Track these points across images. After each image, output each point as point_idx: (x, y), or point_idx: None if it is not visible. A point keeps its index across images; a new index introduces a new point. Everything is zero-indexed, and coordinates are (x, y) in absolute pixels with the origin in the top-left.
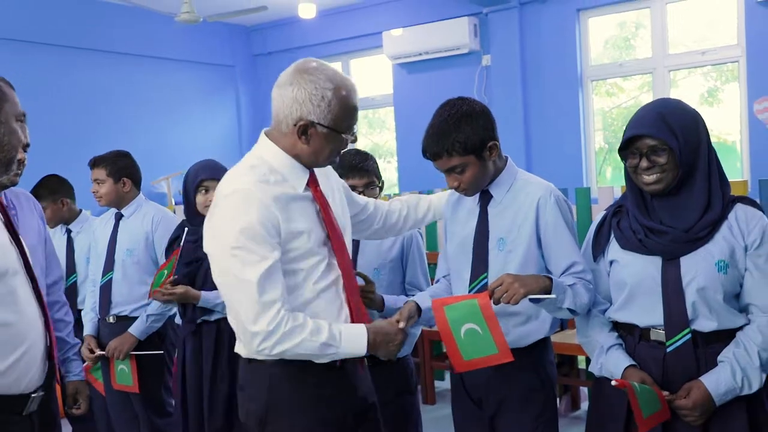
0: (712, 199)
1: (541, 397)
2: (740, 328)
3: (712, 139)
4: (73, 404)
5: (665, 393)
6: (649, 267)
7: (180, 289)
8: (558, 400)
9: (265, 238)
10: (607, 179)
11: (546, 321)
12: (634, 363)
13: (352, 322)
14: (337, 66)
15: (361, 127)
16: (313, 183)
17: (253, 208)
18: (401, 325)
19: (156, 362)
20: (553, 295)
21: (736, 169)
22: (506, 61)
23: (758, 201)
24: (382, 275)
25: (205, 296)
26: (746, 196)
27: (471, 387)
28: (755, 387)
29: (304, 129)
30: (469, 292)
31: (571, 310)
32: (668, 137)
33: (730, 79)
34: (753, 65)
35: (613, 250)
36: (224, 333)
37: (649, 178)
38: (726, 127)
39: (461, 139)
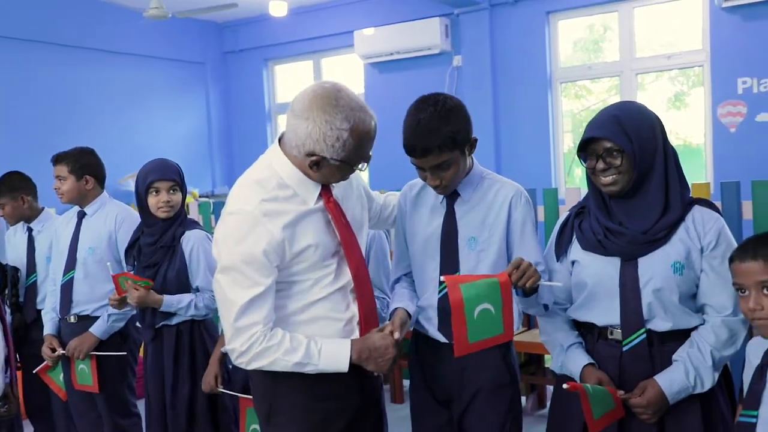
0: (670, 201)
1: (509, 393)
2: (695, 327)
3: (679, 143)
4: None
5: (620, 392)
6: (608, 268)
7: (140, 291)
8: (524, 398)
9: (263, 265)
10: (576, 180)
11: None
12: (592, 362)
13: (360, 324)
14: (308, 65)
15: None
16: (325, 193)
17: (254, 235)
18: (396, 335)
19: (119, 362)
20: (559, 283)
21: (702, 172)
22: (477, 62)
23: (720, 203)
24: None
25: (168, 300)
26: (704, 198)
27: (439, 388)
28: (707, 386)
29: (316, 162)
30: (439, 293)
31: (545, 306)
32: (623, 141)
33: (695, 84)
34: (717, 70)
35: (575, 250)
36: (184, 336)
37: (605, 179)
38: (692, 131)
39: (452, 134)
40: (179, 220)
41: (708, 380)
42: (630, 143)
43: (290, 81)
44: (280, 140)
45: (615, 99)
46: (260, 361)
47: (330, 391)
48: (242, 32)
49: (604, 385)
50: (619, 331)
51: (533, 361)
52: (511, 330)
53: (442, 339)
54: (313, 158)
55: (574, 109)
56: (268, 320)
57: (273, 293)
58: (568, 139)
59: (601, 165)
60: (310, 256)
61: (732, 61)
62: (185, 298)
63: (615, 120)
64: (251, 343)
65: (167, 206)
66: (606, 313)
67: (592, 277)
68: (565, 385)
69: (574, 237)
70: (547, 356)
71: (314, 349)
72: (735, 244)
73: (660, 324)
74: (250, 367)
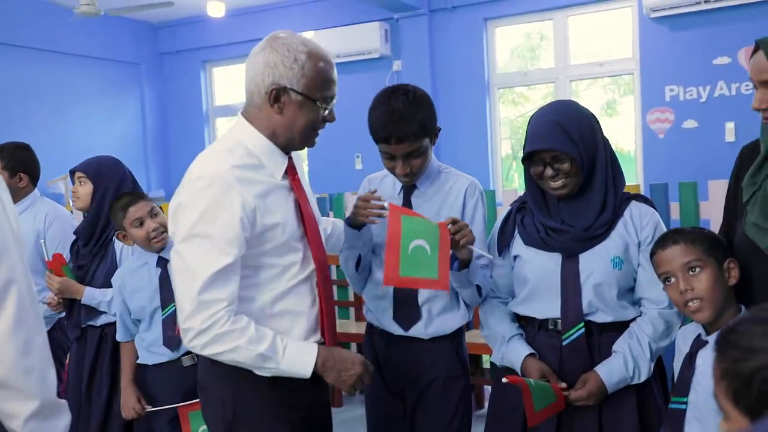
0: (607, 198)
1: (460, 384)
2: (632, 320)
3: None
4: None
5: (562, 385)
6: (550, 263)
7: (62, 278)
8: None
9: (235, 234)
10: (513, 184)
11: (464, 310)
12: (533, 352)
13: (322, 319)
14: None
15: None
16: (291, 171)
17: (227, 200)
18: (361, 358)
19: None
20: (489, 255)
21: (632, 176)
22: (416, 67)
23: None
24: None
25: (89, 292)
26: (641, 193)
27: (392, 379)
28: (644, 376)
29: (277, 95)
30: None
31: (478, 289)
32: (569, 147)
33: (626, 92)
34: (646, 78)
35: (517, 245)
36: (107, 340)
37: (555, 184)
38: (623, 137)
39: (424, 121)
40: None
41: (645, 371)
42: (576, 148)
43: (229, 83)
44: (243, 115)
45: None
46: (219, 345)
47: (298, 401)
48: (179, 33)
49: (546, 375)
50: (560, 322)
51: (472, 362)
52: (447, 281)
53: (397, 330)
54: (273, 88)
55: (512, 116)
56: (232, 300)
57: (239, 271)
58: (506, 146)
59: (549, 171)
60: (279, 235)
61: (660, 69)
62: (108, 293)
63: (558, 127)
64: (213, 321)
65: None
66: (547, 307)
67: (533, 272)
68: (504, 379)
69: (516, 232)
70: (485, 356)
71: (279, 345)
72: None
73: (600, 317)
74: (204, 352)
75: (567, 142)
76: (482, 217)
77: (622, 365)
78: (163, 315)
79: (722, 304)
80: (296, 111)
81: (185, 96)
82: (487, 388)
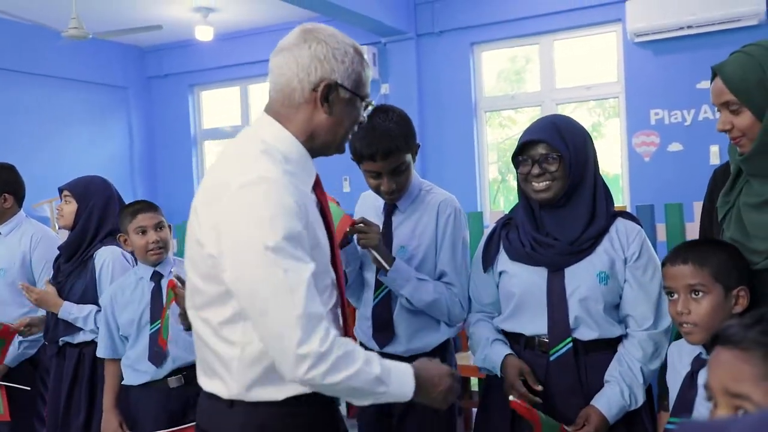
0: (596, 213)
1: None
2: (619, 338)
3: None
4: None
5: (569, 429)
6: (535, 277)
7: (40, 291)
8: None
9: (303, 239)
10: (501, 208)
11: (445, 327)
12: (513, 353)
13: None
14: (235, 91)
15: None
16: (318, 186)
17: (290, 201)
18: (448, 370)
19: (28, 392)
20: (387, 266)
21: (618, 198)
22: (404, 90)
23: None
24: None
25: (67, 306)
26: (627, 211)
27: None
28: (641, 401)
29: (325, 95)
30: (374, 300)
31: (408, 301)
32: (560, 145)
33: (611, 115)
34: (631, 101)
35: (503, 261)
36: (85, 360)
37: (539, 185)
38: (609, 161)
39: (406, 136)
40: (98, 237)
41: (641, 396)
42: (567, 149)
43: (217, 107)
44: (269, 114)
45: None
46: (341, 372)
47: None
48: (167, 57)
49: (525, 374)
50: (546, 340)
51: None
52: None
53: (375, 348)
54: (325, 84)
55: (498, 139)
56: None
57: None
58: (493, 169)
59: (536, 170)
60: (320, 255)
61: (645, 93)
62: (86, 309)
63: (553, 126)
64: (331, 342)
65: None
66: (533, 322)
67: (519, 287)
68: (511, 397)
69: (502, 248)
70: (473, 380)
71: (386, 365)
72: (655, 256)
73: (586, 333)
74: (325, 382)
75: (559, 140)
76: (452, 236)
77: (618, 395)
78: (151, 329)
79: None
80: (344, 111)
81: (173, 119)
82: (475, 411)
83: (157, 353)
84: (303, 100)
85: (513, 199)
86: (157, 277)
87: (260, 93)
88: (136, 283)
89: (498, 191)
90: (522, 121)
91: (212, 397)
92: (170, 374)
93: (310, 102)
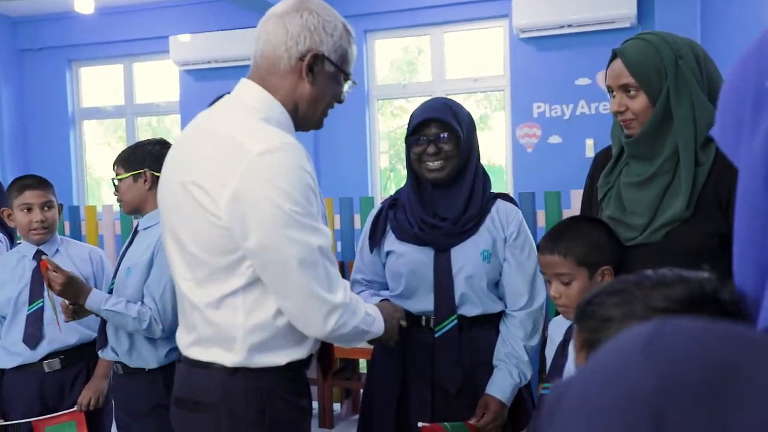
0: (473, 193)
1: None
2: (499, 313)
3: (483, 162)
4: None
5: (473, 420)
6: (423, 257)
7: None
8: (339, 405)
9: (319, 203)
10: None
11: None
12: (387, 298)
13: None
14: (118, 68)
15: (143, 134)
16: None
17: (308, 167)
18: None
19: None
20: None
21: (503, 187)
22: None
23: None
24: (130, 277)
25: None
26: (505, 192)
27: None
28: (529, 375)
29: (311, 65)
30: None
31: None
32: (456, 124)
33: (497, 108)
34: (516, 94)
35: (390, 241)
36: None
37: (433, 164)
38: (495, 151)
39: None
40: None
41: (528, 371)
42: (461, 129)
43: (97, 85)
44: (254, 81)
45: None
46: (357, 316)
47: (306, 404)
48: (42, 29)
49: (397, 317)
50: (433, 318)
51: (348, 366)
52: None
53: None
54: (312, 54)
55: (390, 128)
56: None
57: None
58: (384, 159)
59: (431, 149)
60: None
61: (529, 87)
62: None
63: (447, 107)
64: (350, 293)
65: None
66: (421, 301)
67: (407, 266)
68: (420, 424)
69: (389, 228)
70: (362, 360)
71: (367, 306)
72: (531, 237)
73: (470, 309)
74: (347, 328)
75: (454, 119)
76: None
77: (508, 376)
78: (29, 310)
79: None
80: (326, 84)
81: (48, 96)
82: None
83: (32, 335)
84: (289, 68)
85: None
86: (40, 256)
87: (145, 71)
88: (18, 261)
89: (389, 180)
90: (413, 110)
91: (209, 366)
92: (47, 357)
93: (296, 71)
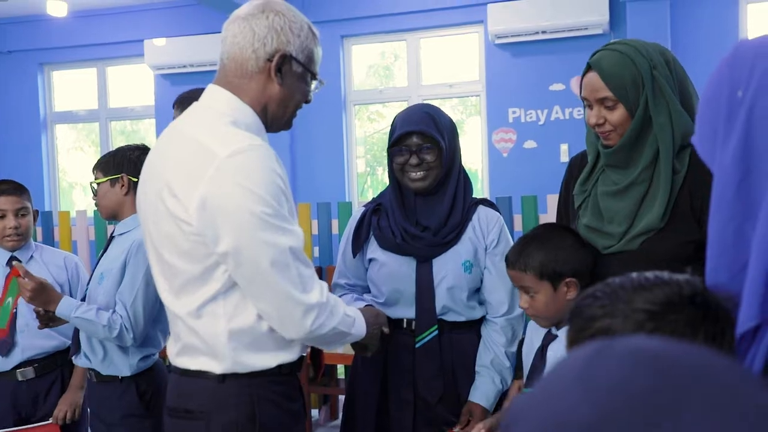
0: (456, 201)
1: None
2: (480, 319)
3: None
4: None
5: (456, 429)
6: (405, 267)
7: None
8: (317, 411)
9: (290, 204)
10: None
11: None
12: (370, 303)
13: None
14: (91, 72)
15: (117, 139)
16: None
17: (277, 168)
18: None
19: None
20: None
21: (478, 191)
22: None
23: None
24: (103, 283)
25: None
26: (487, 198)
27: None
28: (510, 381)
29: (279, 66)
30: None
31: None
32: (438, 135)
33: (473, 113)
34: (491, 100)
35: (372, 248)
36: None
37: (416, 175)
38: (470, 156)
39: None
40: None
41: (510, 377)
42: (443, 139)
43: (70, 89)
44: (221, 85)
45: None
46: (335, 316)
47: (297, 407)
48: (13, 32)
49: (380, 323)
50: (414, 323)
51: (326, 373)
52: None
53: None
54: (280, 55)
55: (367, 132)
56: None
57: None
58: (361, 163)
59: (414, 160)
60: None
61: (504, 92)
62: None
63: (428, 116)
64: (327, 293)
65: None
66: (403, 310)
67: (389, 276)
68: None
69: (372, 235)
70: (339, 367)
71: (348, 308)
72: (512, 243)
73: (452, 317)
74: (325, 329)
75: (435, 130)
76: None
77: (491, 383)
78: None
79: (560, 313)
80: (294, 85)
81: (19, 100)
82: (341, 398)
83: (3, 341)
84: (257, 69)
85: (381, 191)
86: (11, 262)
87: (119, 75)
88: None
89: (366, 184)
90: (390, 115)
91: (198, 374)
92: (20, 366)
93: (264, 72)
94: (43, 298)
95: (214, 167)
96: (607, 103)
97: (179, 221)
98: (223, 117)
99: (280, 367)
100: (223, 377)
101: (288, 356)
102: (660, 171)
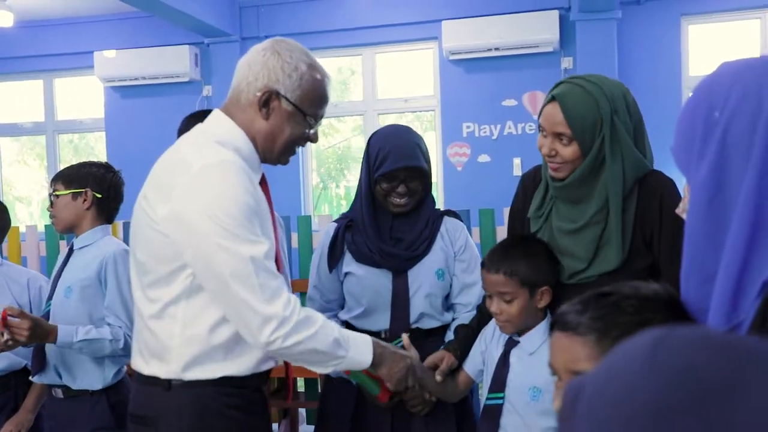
0: (429, 215)
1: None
2: (448, 325)
3: None
4: None
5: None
6: (382, 279)
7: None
8: (276, 425)
9: (259, 218)
10: (324, 212)
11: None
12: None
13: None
14: (37, 84)
15: (65, 152)
16: (264, 183)
17: (246, 183)
18: (412, 353)
19: None
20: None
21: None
22: (227, 93)
23: None
24: (71, 296)
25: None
26: (450, 209)
27: None
28: None
29: (267, 100)
30: None
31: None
32: (425, 166)
33: (428, 127)
34: (446, 114)
35: (347, 262)
36: None
37: (401, 201)
38: None
39: None
40: None
41: None
42: (428, 166)
43: (14, 100)
44: (222, 111)
45: (360, 138)
46: (302, 332)
47: (254, 420)
48: None
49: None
50: (387, 332)
51: (285, 387)
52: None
53: None
54: (266, 91)
55: (322, 146)
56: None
57: None
58: (315, 176)
59: (402, 189)
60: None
61: (458, 107)
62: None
63: (418, 148)
64: (293, 307)
65: None
66: (378, 320)
67: (367, 290)
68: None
69: (346, 249)
70: (299, 380)
71: (344, 333)
72: (476, 250)
73: (427, 323)
74: (287, 344)
75: (425, 162)
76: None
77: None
78: None
79: (530, 320)
80: (283, 121)
81: None
82: (302, 412)
83: None
84: (247, 102)
85: (336, 205)
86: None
87: (66, 87)
88: None
89: (320, 197)
90: (344, 129)
91: (149, 381)
92: None
93: (253, 105)
94: (41, 333)
95: (186, 177)
96: (562, 138)
97: (152, 222)
98: (210, 135)
99: (227, 378)
100: (169, 384)
101: (235, 369)
102: (611, 217)
